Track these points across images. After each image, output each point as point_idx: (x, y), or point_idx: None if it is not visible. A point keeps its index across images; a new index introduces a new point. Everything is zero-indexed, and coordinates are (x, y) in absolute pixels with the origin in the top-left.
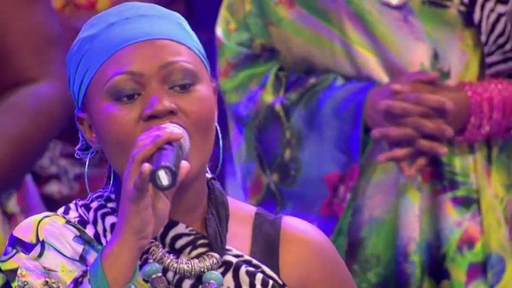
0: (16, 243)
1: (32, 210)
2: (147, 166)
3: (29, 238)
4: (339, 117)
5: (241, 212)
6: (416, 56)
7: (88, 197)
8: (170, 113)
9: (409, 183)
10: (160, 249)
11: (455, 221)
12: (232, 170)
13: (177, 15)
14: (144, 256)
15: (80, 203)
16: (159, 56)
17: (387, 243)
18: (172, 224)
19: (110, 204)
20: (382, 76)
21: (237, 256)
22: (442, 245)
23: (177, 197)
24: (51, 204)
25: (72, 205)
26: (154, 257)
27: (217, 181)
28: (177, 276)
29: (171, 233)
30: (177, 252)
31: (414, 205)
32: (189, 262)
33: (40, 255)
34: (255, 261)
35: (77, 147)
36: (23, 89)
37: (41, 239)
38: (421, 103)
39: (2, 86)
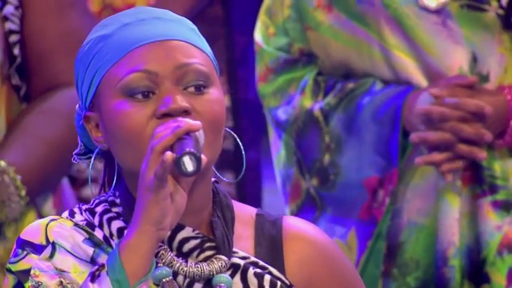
0: (25, 245)
1: None
2: (169, 154)
3: (39, 240)
4: (377, 122)
5: (243, 213)
6: (455, 59)
7: (91, 201)
8: (184, 113)
9: (448, 187)
10: (169, 253)
11: (495, 225)
12: (269, 174)
13: (189, 22)
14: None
15: (84, 207)
16: (175, 56)
17: (426, 248)
18: (179, 227)
19: (115, 209)
20: (421, 80)
21: (243, 258)
22: (482, 249)
23: None
24: None
25: (76, 209)
26: (163, 261)
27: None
28: (187, 280)
29: (179, 237)
30: (185, 256)
31: (454, 209)
32: (198, 265)
33: (51, 256)
34: (261, 263)
35: (75, 152)
36: (58, 92)
37: (51, 241)
38: (460, 107)
39: (37, 89)
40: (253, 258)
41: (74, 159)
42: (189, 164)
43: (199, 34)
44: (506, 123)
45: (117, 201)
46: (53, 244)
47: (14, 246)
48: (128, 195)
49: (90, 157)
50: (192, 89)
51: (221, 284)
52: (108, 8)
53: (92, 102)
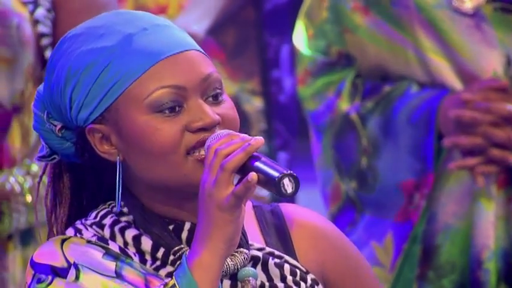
0: (47, 269)
1: None
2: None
3: (60, 263)
4: (413, 125)
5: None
6: (489, 63)
7: (90, 215)
8: (218, 124)
9: (482, 191)
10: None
11: None
12: (306, 175)
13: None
14: (178, 262)
15: (88, 222)
16: (199, 69)
17: (462, 251)
18: (195, 227)
19: (124, 218)
20: (456, 83)
21: (260, 250)
22: None
23: (191, 201)
24: None
25: (80, 226)
26: None
27: None
28: None
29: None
30: None
31: (488, 212)
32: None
33: (77, 277)
34: (277, 252)
35: (40, 154)
36: None
37: (71, 262)
38: (491, 112)
39: None
40: (268, 249)
41: (35, 161)
42: (288, 186)
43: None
44: None
45: (125, 210)
46: (75, 265)
47: (31, 270)
48: (138, 203)
49: (55, 158)
50: (210, 99)
51: (249, 278)
52: (141, 10)
53: (101, 115)
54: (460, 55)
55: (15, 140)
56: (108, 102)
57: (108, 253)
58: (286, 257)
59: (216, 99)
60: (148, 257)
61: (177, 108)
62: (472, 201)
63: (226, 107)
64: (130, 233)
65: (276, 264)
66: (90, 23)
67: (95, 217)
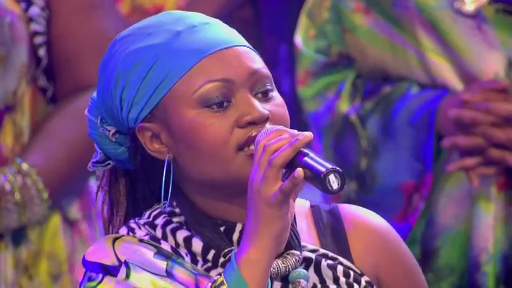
0: (98, 267)
1: (95, 216)
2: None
3: (111, 261)
4: (412, 126)
5: (299, 206)
6: (491, 65)
7: (144, 215)
8: (267, 119)
9: (482, 193)
10: None
11: None
12: None
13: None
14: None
15: (141, 221)
16: (247, 63)
17: (461, 253)
18: None
19: (176, 219)
20: (457, 84)
21: (313, 251)
22: None
23: (241, 202)
24: None
25: (133, 224)
26: None
27: None
28: None
29: None
30: None
31: (487, 215)
32: (273, 263)
33: (127, 276)
34: (331, 254)
35: (93, 160)
36: (84, 95)
37: (122, 260)
38: (491, 112)
39: (63, 91)
40: (322, 250)
41: (89, 167)
42: (334, 182)
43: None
44: None
45: (177, 210)
46: (126, 263)
47: (83, 268)
48: (189, 203)
49: (109, 164)
50: (259, 95)
51: (300, 279)
52: (138, 11)
53: (151, 113)
54: (461, 56)
55: (7, 138)
56: (157, 100)
57: (159, 252)
58: (341, 259)
59: (265, 96)
60: (199, 258)
61: (225, 104)
62: (471, 203)
63: (276, 104)
64: (181, 235)
65: (328, 266)
66: (140, 23)
67: (148, 217)
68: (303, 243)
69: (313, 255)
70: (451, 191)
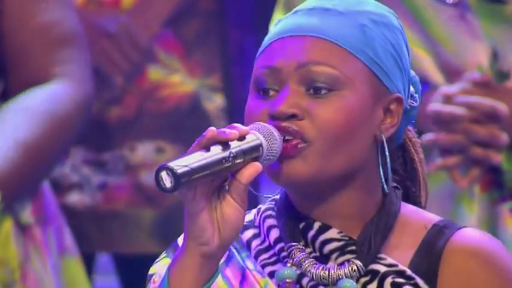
0: (171, 247)
1: (48, 220)
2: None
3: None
4: None
5: (416, 222)
6: (474, 55)
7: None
8: (292, 117)
9: (465, 193)
10: (301, 253)
11: None
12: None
13: (370, 16)
14: (285, 260)
15: (263, 207)
16: (301, 54)
17: None
18: (325, 228)
19: (275, 207)
20: (437, 77)
21: (389, 265)
22: None
23: (320, 201)
24: (72, 215)
25: (263, 206)
26: (293, 260)
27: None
28: (311, 283)
29: (321, 237)
30: (325, 258)
31: (470, 216)
32: (328, 268)
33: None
34: (408, 272)
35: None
36: (36, 90)
37: None
38: (472, 108)
39: (14, 87)
40: (400, 267)
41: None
42: (166, 181)
43: (369, 33)
44: None
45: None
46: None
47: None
48: (285, 194)
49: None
50: (311, 91)
51: None
52: (94, 1)
53: None
54: (443, 47)
55: None
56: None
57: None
58: (418, 280)
59: (316, 93)
60: (271, 249)
61: (271, 92)
62: (453, 203)
63: (327, 105)
64: (268, 223)
65: (393, 284)
66: None
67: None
68: (383, 256)
69: (383, 269)
70: (433, 191)
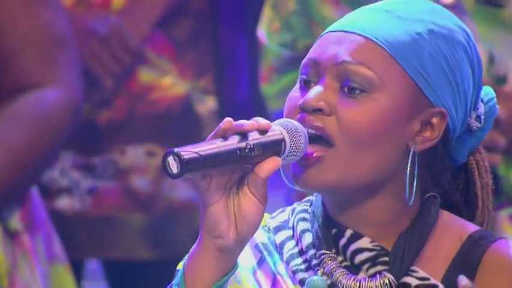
0: None
1: (37, 227)
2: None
3: None
4: None
5: (452, 233)
6: None
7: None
8: (319, 111)
9: None
10: (333, 262)
11: None
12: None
13: (429, 26)
14: (316, 268)
15: (298, 207)
16: (343, 51)
17: None
18: (356, 236)
19: (310, 208)
20: None
21: (421, 279)
22: None
23: (351, 208)
24: (61, 220)
25: (296, 205)
26: (324, 269)
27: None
28: None
29: (353, 246)
30: (356, 268)
31: None
32: (359, 280)
33: None
34: (441, 287)
35: None
36: (26, 94)
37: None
38: None
39: (3, 90)
40: (432, 281)
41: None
42: (173, 166)
43: (420, 43)
44: None
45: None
46: None
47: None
48: (319, 198)
49: None
50: (345, 89)
51: None
52: (83, 3)
53: None
54: None
55: None
56: None
57: (263, 243)
58: None
59: (350, 93)
60: (303, 255)
61: (311, 84)
62: None
63: (355, 106)
64: (301, 226)
65: None
66: None
67: (306, 200)
68: (416, 269)
69: (415, 283)
70: None
